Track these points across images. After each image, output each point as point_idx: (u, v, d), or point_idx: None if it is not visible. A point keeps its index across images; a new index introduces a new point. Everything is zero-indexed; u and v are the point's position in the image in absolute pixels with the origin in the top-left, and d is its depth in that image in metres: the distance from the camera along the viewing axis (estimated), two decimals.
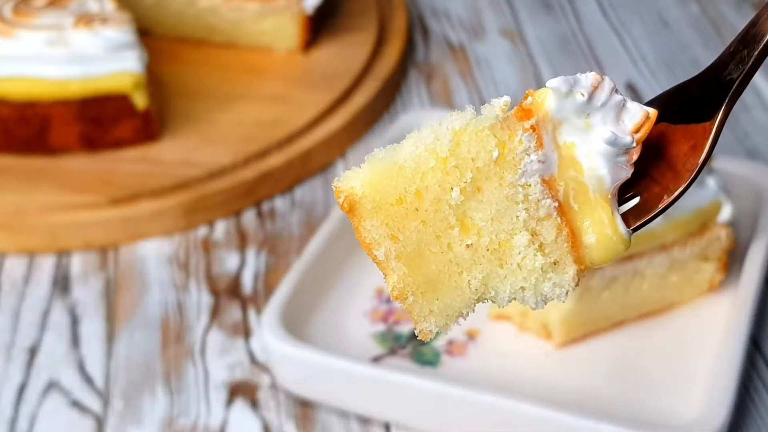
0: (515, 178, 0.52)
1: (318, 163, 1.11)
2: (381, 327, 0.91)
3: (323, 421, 0.85)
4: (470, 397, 0.79)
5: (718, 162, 0.96)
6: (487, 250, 0.53)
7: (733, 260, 0.93)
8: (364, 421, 0.85)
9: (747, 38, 0.55)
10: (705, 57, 1.28)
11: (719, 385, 0.79)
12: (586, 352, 0.88)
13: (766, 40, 0.54)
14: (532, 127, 0.52)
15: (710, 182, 0.90)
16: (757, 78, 1.24)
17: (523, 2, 1.40)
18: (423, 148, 0.52)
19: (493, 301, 0.54)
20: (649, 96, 1.22)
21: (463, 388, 0.80)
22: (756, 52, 0.54)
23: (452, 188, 0.52)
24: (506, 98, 0.52)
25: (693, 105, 0.56)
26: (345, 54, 1.23)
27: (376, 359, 0.88)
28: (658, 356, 0.88)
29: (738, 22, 1.34)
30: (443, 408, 0.81)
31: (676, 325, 0.90)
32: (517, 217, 0.53)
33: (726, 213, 0.91)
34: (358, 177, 0.51)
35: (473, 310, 0.54)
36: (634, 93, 1.22)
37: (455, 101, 1.22)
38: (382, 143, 1.05)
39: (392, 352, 0.89)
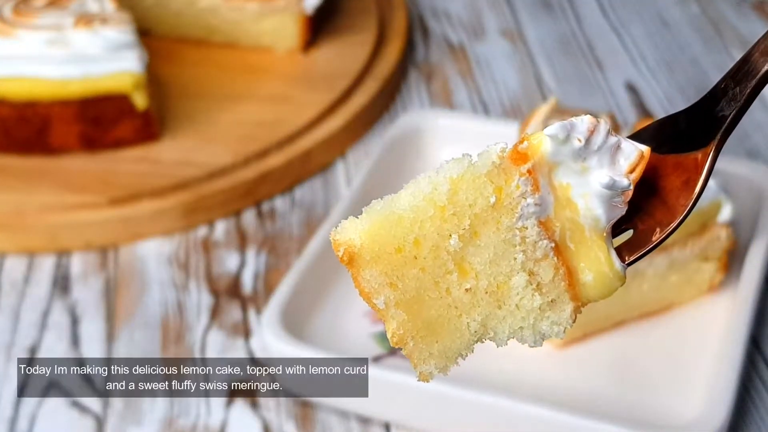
0: (512, 222, 0.53)
1: (318, 163, 1.12)
2: (381, 327, 0.91)
3: (323, 421, 0.85)
4: (470, 397, 0.79)
5: (719, 162, 0.96)
6: (486, 292, 0.53)
7: (733, 260, 0.93)
8: (364, 420, 0.85)
9: (739, 75, 0.54)
10: (705, 57, 1.28)
11: (719, 385, 0.79)
12: (587, 353, 0.88)
13: (758, 77, 0.53)
14: (528, 171, 0.52)
15: (711, 182, 0.90)
16: None
17: (523, 2, 1.40)
18: (421, 197, 0.52)
19: (492, 341, 0.55)
20: (650, 96, 1.22)
21: (463, 388, 0.80)
22: (749, 90, 0.54)
23: (450, 235, 0.52)
24: (502, 145, 0.53)
25: (683, 136, 0.56)
26: (345, 54, 1.23)
27: (376, 359, 0.88)
28: (658, 356, 0.88)
29: (738, 22, 1.34)
30: (443, 408, 0.81)
31: (676, 325, 0.91)
32: (515, 259, 0.53)
33: (726, 213, 0.91)
34: (356, 229, 0.51)
35: (472, 351, 0.54)
36: (634, 93, 1.22)
37: (455, 101, 1.22)
38: (382, 143, 1.05)
39: (392, 352, 0.89)
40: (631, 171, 0.54)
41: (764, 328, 0.92)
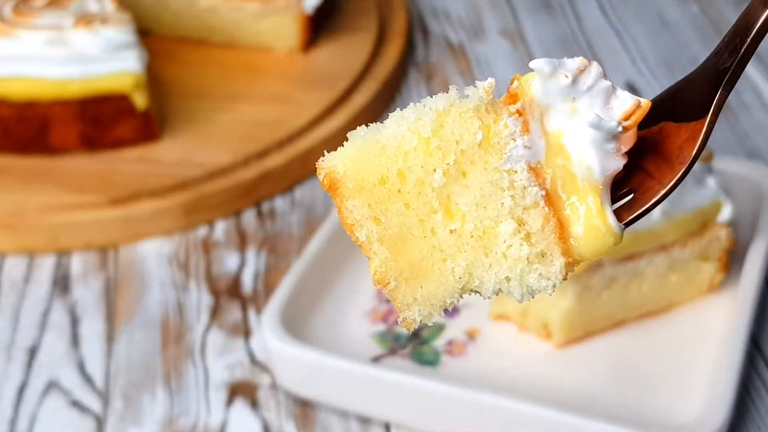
0: (500, 163, 0.52)
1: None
2: (381, 327, 0.91)
3: (323, 421, 0.85)
4: (470, 397, 0.80)
5: (718, 162, 0.97)
6: (471, 236, 0.52)
7: (733, 260, 0.93)
8: (364, 421, 0.85)
9: (740, 28, 0.55)
10: (705, 57, 1.28)
11: (719, 386, 0.80)
12: (586, 352, 0.88)
13: (757, 27, 0.54)
14: (518, 112, 0.52)
15: (710, 182, 0.90)
16: (757, 78, 1.24)
17: (523, 2, 1.41)
18: (405, 127, 0.51)
19: (478, 292, 0.53)
20: (649, 96, 1.21)
21: (463, 388, 0.80)
22: (749, 39, 0.54)
23: (435, 170, 0.51)
24: (491, 80, 0.52)
25: (692, 102, 0.56)
26: (345, 54, 1.23)
27: (376, 359, 0.88)
28: (658, 356, 0.88)
29: None
30: (443, 408, 0.81)
31: (676, 325, 0.91)
32: (502, 203, 0.52)
33: (726, 213, 0.91)
34: (339, 156, 0.51)
35: (457, 300, 0.53)
36: (634, 93, 1.22)
37: None
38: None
39: (392, 352, 0.89)
40: (626, 118, 0.53)
41: (764, 328, 0.92)
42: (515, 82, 0.52)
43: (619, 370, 0.87)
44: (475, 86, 0.52)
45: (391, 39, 1.27)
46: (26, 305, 0.97)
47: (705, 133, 0.54)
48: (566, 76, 0.51)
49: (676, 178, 0.54)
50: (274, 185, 1.08)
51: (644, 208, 0.55)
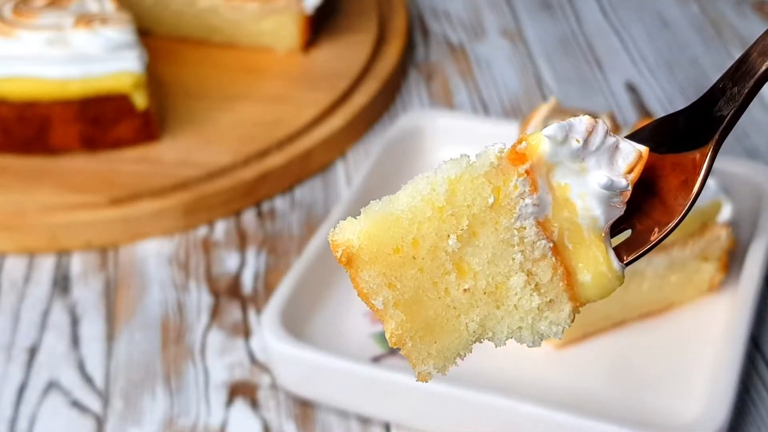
0: (510, 222, 0.53)
1: (318, 163, 1.12)
2: (381, 327, 0.91)
3: (323, 420, 0.85)
4: (470, 397, 0.79)
5: (718, 162, 0.96)
6: (484, 293, 0.54)
7: (733, 260, 0.93)
8: (364, 420, 0.85)
9: (737, 75, 0.54)
10: (705, 57, 1.28)
11: (719, 385, 0.79)
12: (586, 353, 0.88)
13: (756, 77, 0.53)
14: (527, 172, 0.53)
15: (710, 182, 0.90)
16: None
17: (523, 2, 1.40)
18: (419, 198, 0.52)
19: (491, 341, 0.55)
20: (650, 96, 1.22)
21: (463, 388, 0.80)
22: (747, 90, 0.54)
23: (449, 236, 0.52)
24: (500, 145, 0.53)
25: (681, 136, 0.56)
26: (345, 54, 1.23)
27: (376, 359, 0.88)
28: (658, 356, 0.88)
29: (738, 22, 1.34)
30: (443, 408, 0.81)
31: (676, 325, 0.90)
32: (513, 259, 0.53)
33: (726, 213, 0.91)
34: (354, 229, 0.51)
35: (471, 351, 0.55)
36: (634, 93, 1.22)
37: (455, 101, 1.22)
38: (382, 143, 1.05)
39: (392, 352, 0.89)
40: (630, 171, 0.54)
41: (764, 328, 0.92)
42: (523, 143, 0.53)
43: (619, 370, 0.87)
44: (484, 151, 0.53)
45: (391, 39, 1.27)
46: (26, 305, 0.97)
47: (701, 181, 0.55)
48: (577, 141, 0.52)
49: (675, 222, 0.55)
50: (274, 185, 1.08)
51: (644, 249, 0.56)
